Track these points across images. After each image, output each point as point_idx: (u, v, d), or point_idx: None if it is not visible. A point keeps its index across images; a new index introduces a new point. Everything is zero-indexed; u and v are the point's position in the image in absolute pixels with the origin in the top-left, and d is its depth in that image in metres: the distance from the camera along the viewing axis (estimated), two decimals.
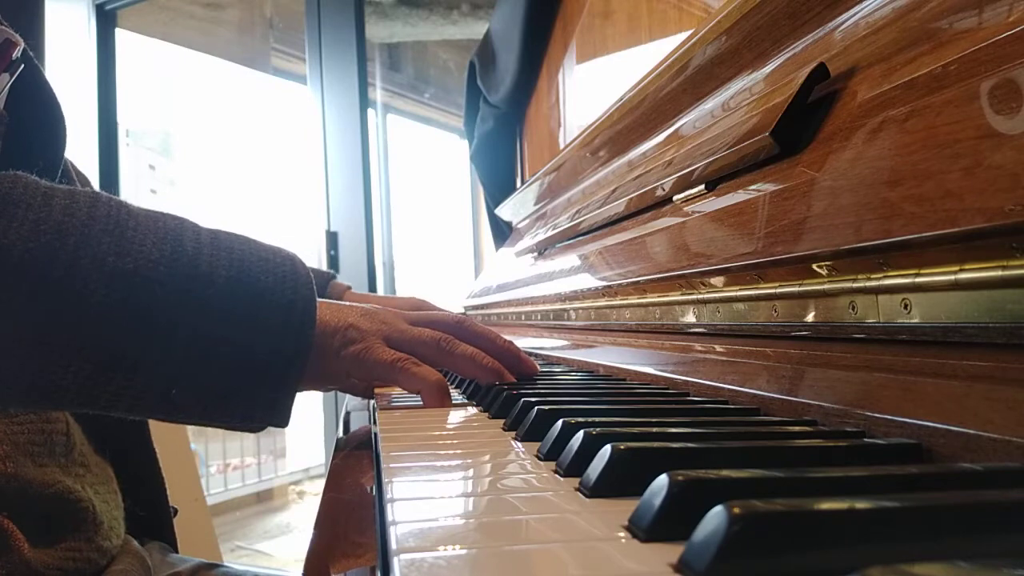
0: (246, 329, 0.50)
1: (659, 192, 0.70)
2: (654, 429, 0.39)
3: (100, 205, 0.49)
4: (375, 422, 0.54)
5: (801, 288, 0.45)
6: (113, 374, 0.48)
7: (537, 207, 1.48)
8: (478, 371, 0.63)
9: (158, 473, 0.80)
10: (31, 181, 0.48)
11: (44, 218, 0.46)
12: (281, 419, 0.53)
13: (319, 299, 0.55)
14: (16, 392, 0.47)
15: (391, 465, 0.37)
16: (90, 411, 0.49)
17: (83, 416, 0.69)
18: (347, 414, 0.82)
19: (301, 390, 0.55)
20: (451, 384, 0.76)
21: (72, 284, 0.46)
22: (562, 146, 1.43)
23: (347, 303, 0.61)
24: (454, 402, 0.61)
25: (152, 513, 0.79)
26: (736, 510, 0.20)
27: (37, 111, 0.60)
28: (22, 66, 0.57)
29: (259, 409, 0.52)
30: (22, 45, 0.55)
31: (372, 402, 0.68)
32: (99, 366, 0.47)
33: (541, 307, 1.12)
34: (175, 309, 0.48)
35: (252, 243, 0.54)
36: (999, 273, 0.31)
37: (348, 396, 0.85)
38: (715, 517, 0.21)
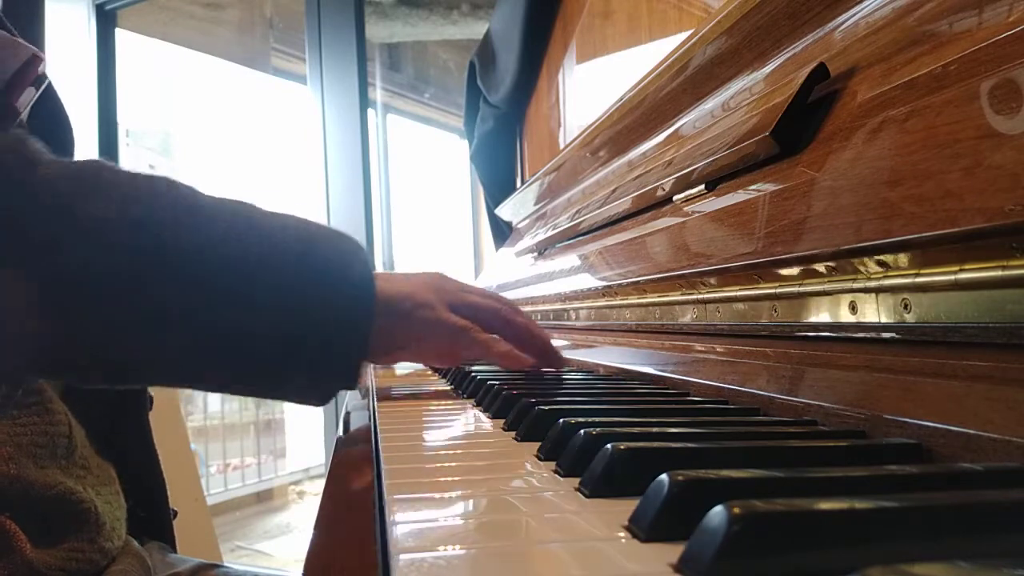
0: (318, 293, 0.53)
1: (659, 192, 0.70)
2: (654, 429, 0.39)
3: (175, 185, 0.52)
4: (375, 421, 0.54)
5: (801, 288, 0.45)
6: (203, 339, 0.50)
7: (537, 207, 1.48)
8: (532, 339, 0.66)
9: (159, 474, 0.81)
10: (111, 165, 0.51)
11: (131, 195, 0.49)
12: (350, 381, 0.55)
13: (380, 272, 0.58)
14: (116, 364, 0.51)
15: (391, 466, 0.37)
16: (177, 382, 0.54)
17: (85, 417, 0.69)
18: (347, 414, 0.82)
19: (377, 358, 0.58)
20: (449, 384, 0.76)
21: (161, 250, 0.49)
22: (562, 146, 1.43)
23: (405, 272, 0.64)
24: (453, 401, 0.62)
25: (152, 513, 0.79)
26: (736, 510, 0.20)
27: (48, 122, 0.63)
28: (47, 80, 0.60)
29: (333, 368, 0.54)
30: (45, 60, 0.58)
31: (372, 402, 0.68)
32: (192, 329, 0.50)
33: (541, 307, 1.12)
34: (254, 278, 0.51)
35: (307, 220, 0.57)
36: (999, 273, 0.31)
37: (348, 396, 0.85)
38: (715, 517, 0.21)
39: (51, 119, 0.63)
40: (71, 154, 0.64)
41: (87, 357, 0.50)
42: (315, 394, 0.56)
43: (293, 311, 0.52)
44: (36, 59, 0.56)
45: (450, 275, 0.66)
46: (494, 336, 0.63)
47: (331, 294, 0.53)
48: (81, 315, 0.48)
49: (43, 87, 0.59)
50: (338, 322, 0.53)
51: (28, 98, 0.57)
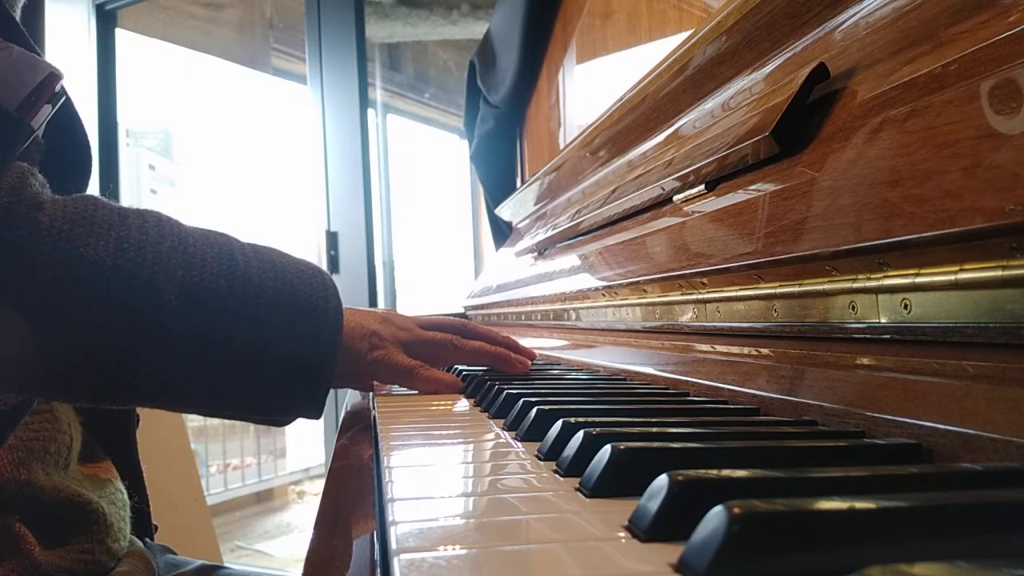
0: (289, 332, 0.57)
1: (659, 192, 0.70)
2: (654, 429, 0.39)
3: (163, 223, 0.55)
4: (375, 421, 0.54)
5: (801, 288, 0.45)
6: (179, 371, 0.54)
7: (537, 207, 1.48)
8: (485, 359, 0.72)
9: (141, 473, 0.81)
10: (104, 202, 0.54)
11: (125, 236, 0.52)
12: (316, 412, 0.60)
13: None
14: (98, 388, 0.53)
15: (392, 466, 0.37)
16: (147, 402, 0.56)
17: (90, 420, 0.70)
18: (347, 413, 0.82)
19: (334, 387, 0.62)
20: None
21: (151, 295, 0.52)
22: (562, 146, 1.43)
23: (366, 309, 0.69)
24: (453, 401, 0.62)
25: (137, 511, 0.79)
26: (736, 510, 0.20)
27: (68, 140, 0.64)
28: (64, 98, 0.61)
29: (297, 403, 0.58)
30: (63, 78, 0.59)
31: (372, 401, 0.68)
32: (167, 365, 0.53)
33: (541, 307, 1.11)
34: (234, 314, 0.55)
35: (285, 255, 0.61)
36: (999, 273, 0.31)
37: (347, 396, 0.85)
38: (715, 517, 0.21)
39: (68, 136, 0.64)
40: (88, 170, 0.66)
41: (82, 382, 0.53)
42: (282, 420, 0.61)
43: (268, 348, 0.56)
44: (53, 77, 0.57)
45: (402, 313, 0.72)
46: (442, 374, 0.68)
47: (304, 333, 0.57)
48: (80, 346, 0.51)
49: (60, 103, 0.60)
50: (311, 358, 0.58)
51: (44, 116, 0.58)
